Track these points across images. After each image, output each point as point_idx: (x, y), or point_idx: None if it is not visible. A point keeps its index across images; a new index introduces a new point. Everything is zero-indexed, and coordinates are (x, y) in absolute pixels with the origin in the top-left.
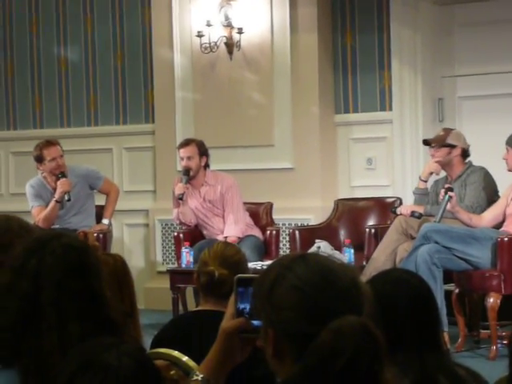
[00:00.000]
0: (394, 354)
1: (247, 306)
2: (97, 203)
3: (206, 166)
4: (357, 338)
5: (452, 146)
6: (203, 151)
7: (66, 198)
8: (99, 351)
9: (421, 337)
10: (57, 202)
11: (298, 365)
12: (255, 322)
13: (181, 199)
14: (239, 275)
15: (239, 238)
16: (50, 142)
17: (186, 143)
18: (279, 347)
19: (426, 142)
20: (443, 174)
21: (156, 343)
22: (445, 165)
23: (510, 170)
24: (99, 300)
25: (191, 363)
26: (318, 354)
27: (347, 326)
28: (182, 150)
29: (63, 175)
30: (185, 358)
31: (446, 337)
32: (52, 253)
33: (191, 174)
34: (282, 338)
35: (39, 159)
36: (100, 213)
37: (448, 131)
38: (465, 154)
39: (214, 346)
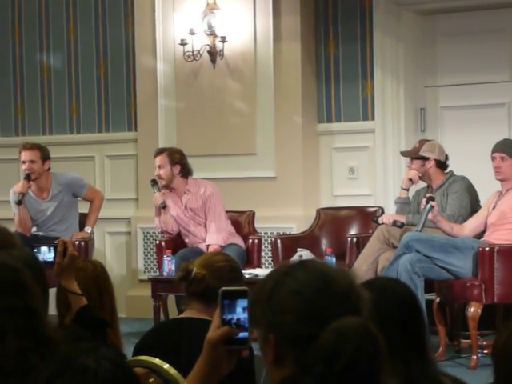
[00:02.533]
0: None
1: (234, 317)
2: (81, 211)
3: (187, 174)
4: (358, 338)
5: (425, 159)
6: (175, 160)
7: (18, 198)
8: (77, 354)
9: (407, 344)
10: (17, 204)
11: (300, 365)
12: (242, 334)
13: (164, 207)
14: (224, 288)
15: (221, 246)
16: (25, 145)
17: (157, 153)
18: (280, 352)
19: (402, 154)
20: (424, 183)
21: (138, 351)
22: (422, 176)
23: (502, 180)
24: (36, 317)
25: (172, 371)
26: (320, 354)
27: (349, 327)
28: (155, 159)
29: (26, 177)
30: (166, 366)
31: None
32: None
33: (163, 182)
34: (283, 343)
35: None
36: (83, 220)
37: (422, 143)
38: (440, 164)
39: (200, 358)
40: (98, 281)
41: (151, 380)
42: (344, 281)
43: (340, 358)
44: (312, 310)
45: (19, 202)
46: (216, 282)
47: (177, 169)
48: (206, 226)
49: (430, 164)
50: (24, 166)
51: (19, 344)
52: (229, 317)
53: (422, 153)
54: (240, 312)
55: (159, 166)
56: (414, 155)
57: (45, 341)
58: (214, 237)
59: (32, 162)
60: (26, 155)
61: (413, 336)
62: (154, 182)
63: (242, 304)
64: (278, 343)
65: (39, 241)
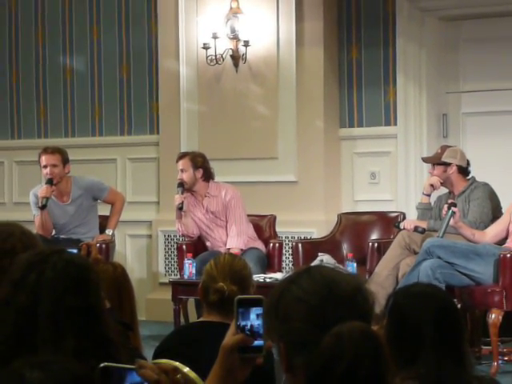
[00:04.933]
0: (417, 366)
1: (248, 323)
2: (101, 213)
3: (209, 177)
4: (356, 341)
5: (447, 164)
6: (198, 164)
7: (42, 203)
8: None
9: (443, 349)
10: (40, 208)
11: (306, 371)
12: (256, 342)
13: (181, 209)
14: (239, 296)
15: (242, 250)
16: (46, 150)
17: (180, 156)
18: (291, 360)
19: (424, 160)
20: (445, 189)
21: (158, 354)
22: (444, 182)
23: None
24: (97, 318)
25: (192, 374)
26: (320, 359)
27: (346, 331)
28: (177, 163)
29: (49, 182)
30: (186, 369)
31: None
32: (53, 267)
33: (185, 186)
34: (292, 351)
35: (39, 164)
36: (104, 223)
37: (444, 149)
38: (462, 170)
39: (215, 365)
40: (118, 283)
41: (178, 376)
42: (349, 285)
43: (339, 362)
44: (317, 317)
45: (44, 207)
46: (240, 292)
47: (199, 172)
48: (227, 230)
49: (452, 170)
50: (46, 171)
51: (77, 345)
52: (243, 323)
53: (444, 159)
54: (254, 318)
55: (182, 170)
56: (435, 161)
57: (104, 342)
58: (235, 240)
59: (54, 166)
60: (47, 159)
61: (450, 341)
62: (181, 185)
63: (256, 311)
64: (288, 351)
65: (60, 243)
